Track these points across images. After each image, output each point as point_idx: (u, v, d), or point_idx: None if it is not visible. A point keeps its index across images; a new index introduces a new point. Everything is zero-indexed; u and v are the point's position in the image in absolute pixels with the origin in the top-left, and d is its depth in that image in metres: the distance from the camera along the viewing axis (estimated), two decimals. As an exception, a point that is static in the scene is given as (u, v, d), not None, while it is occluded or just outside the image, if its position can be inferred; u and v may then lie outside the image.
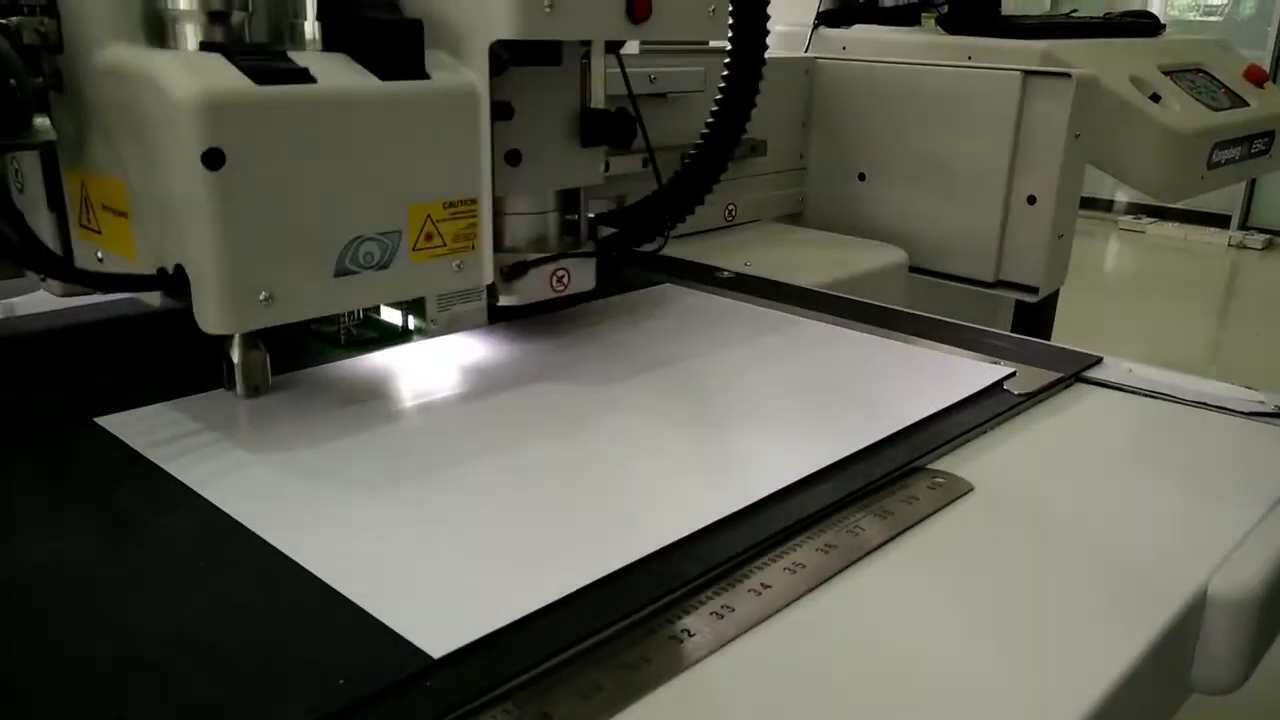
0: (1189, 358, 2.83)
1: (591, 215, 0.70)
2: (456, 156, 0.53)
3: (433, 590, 0.38)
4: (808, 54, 1.24)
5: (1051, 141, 1.00)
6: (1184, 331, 3.08)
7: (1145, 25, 1.58)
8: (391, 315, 0.62)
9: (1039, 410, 0.58)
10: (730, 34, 0.70)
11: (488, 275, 0.57)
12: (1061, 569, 0.42)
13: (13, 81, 0.46)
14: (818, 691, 0.34)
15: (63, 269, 0.44)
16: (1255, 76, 1.50)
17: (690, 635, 0.36)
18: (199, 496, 0.43)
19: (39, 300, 0.67)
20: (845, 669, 0.35)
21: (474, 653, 0.34)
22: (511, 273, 0.62)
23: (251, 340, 0.55)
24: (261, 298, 0.47)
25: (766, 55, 0.72)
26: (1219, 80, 1.42)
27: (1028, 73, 0.99)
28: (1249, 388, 0.61)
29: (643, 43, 0.90)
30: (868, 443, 0.50)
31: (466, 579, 0.39)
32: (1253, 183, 4.00)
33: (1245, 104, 1.41)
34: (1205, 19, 4.52)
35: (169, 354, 0.60)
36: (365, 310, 0.62)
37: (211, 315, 0.46)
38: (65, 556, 0.39)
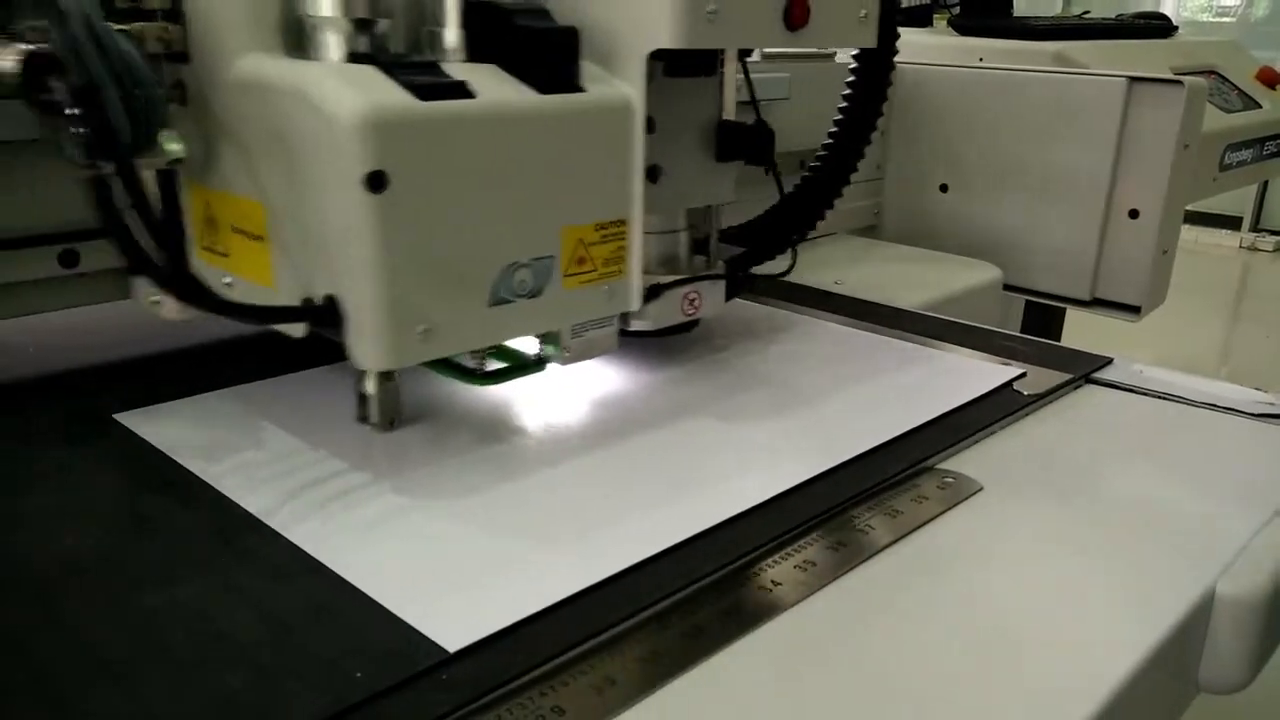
0: (1200, 359, 2.79)
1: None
2: (610, 175, 0.49)
3: (449, 585, 0.39)
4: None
5: (1158, 152, 0.95)
6: (1195, 333, 3.04)
7: (1157, 27, 1.58)
8: (524, 343, 0.58)
9: (1049, 411, 0.58)
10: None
11: (636, 301, 0.53)
12: (1069, 569, 0.43)
13: (139, 93, 0.42)
14: (826, 687, 0.35)
15: (215, 302, 0.40)
16: (1268, 78, 1.49)
17: (701, 631, 0.37)
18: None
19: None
20: (853, 666, 0.36)
21: (489, 647, 0.35)
22: (645, 296, 0.58)
23: (389, 372, 0.51)
24: (420, 331, 0.43)
25: (839, 60, 0.68)
26: (1231, 82, 1.40)
27: (1134, 79, 0.95)
28: (1259, 389, 0.61)
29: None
30: (878, 442, 0.51)
31: (484, 575, 0.39)
32: (1264, 185, 3.96)
33: (1258, 106, 1.39)
34: (1219, 19, 4.48)
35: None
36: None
37: (370, 351, 0.42)
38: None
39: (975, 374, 0.61)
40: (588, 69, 0.48)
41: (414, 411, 0.54)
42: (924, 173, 1.12)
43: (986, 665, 0.36)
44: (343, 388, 0.54)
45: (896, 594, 0.40)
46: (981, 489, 0.48)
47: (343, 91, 0.40)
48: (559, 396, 0.58)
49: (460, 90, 0.42)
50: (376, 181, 0.40)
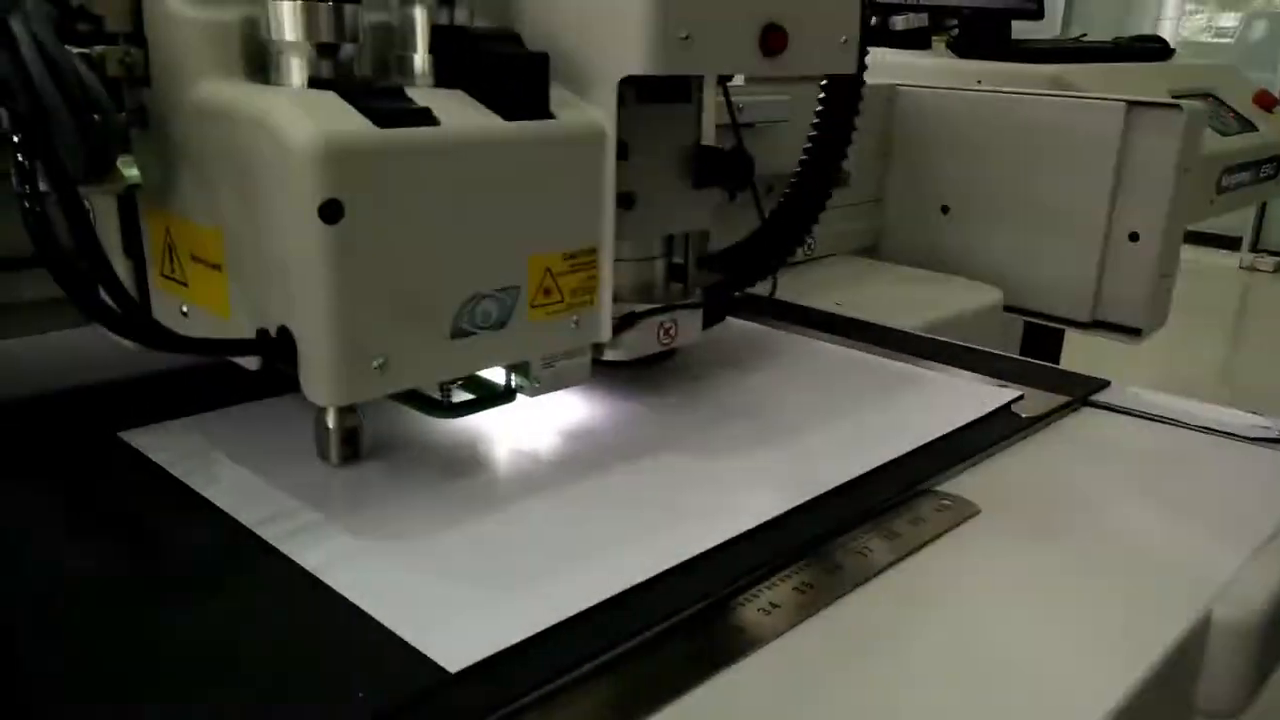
0: (1200, 380, 2.78)
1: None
2: (579, 202, 0.48)
3: (451, 605, 0.39)
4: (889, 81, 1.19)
5: (1158, 175, 0.94)
6: (1195, 354, 3.02)
7: (1154, 50, 1.59)
8: (493, 373, 0.57)
9: (1046, 433, 0.59)
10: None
11: (606, 332, 0.51)
12: (1066, 592, 0.43)
13: (97, 118, 0.41)
14: (823, 710, 0.35)
15: (163, 337, 0.39)
16: (1265, 102, 1.50)
17: (700, 654, 0.36)
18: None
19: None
20: (849, 689, 0.36)
21: (491, 667, 0.35)
22: (618, 326, 0.56)
23: (350, 405, 0.50)
24: (375, 365, 0.42)
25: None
26: (1228, 105, 1.41)
27: (1132, 103, 0.94)
28: (1255, 413, 0.61)
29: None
30: (876, 464, 0.51)
31: (485, 595, 0.40)
32: (1263, 206, 3.97)
33: (1254, 129, 1.40)
34: (1216, 41, 4.49)
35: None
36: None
37: (322, 386, 0.41)
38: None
39: (973, 396, 0.62)
40: (559, 94, 0.47)
41: (376, 443, 0.52)
42: (925, 194, 1.11)
43: (984, 690, 0.36)
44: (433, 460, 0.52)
45: (894, 616, 0.40)
46: (979, 512, 0.48)
47: (298, 118, 0.39)
48: (532, 428, 0.57)
49: (423, 117, 0.41)
50: (331, 211, 0.39)
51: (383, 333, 0.42)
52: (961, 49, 1.39)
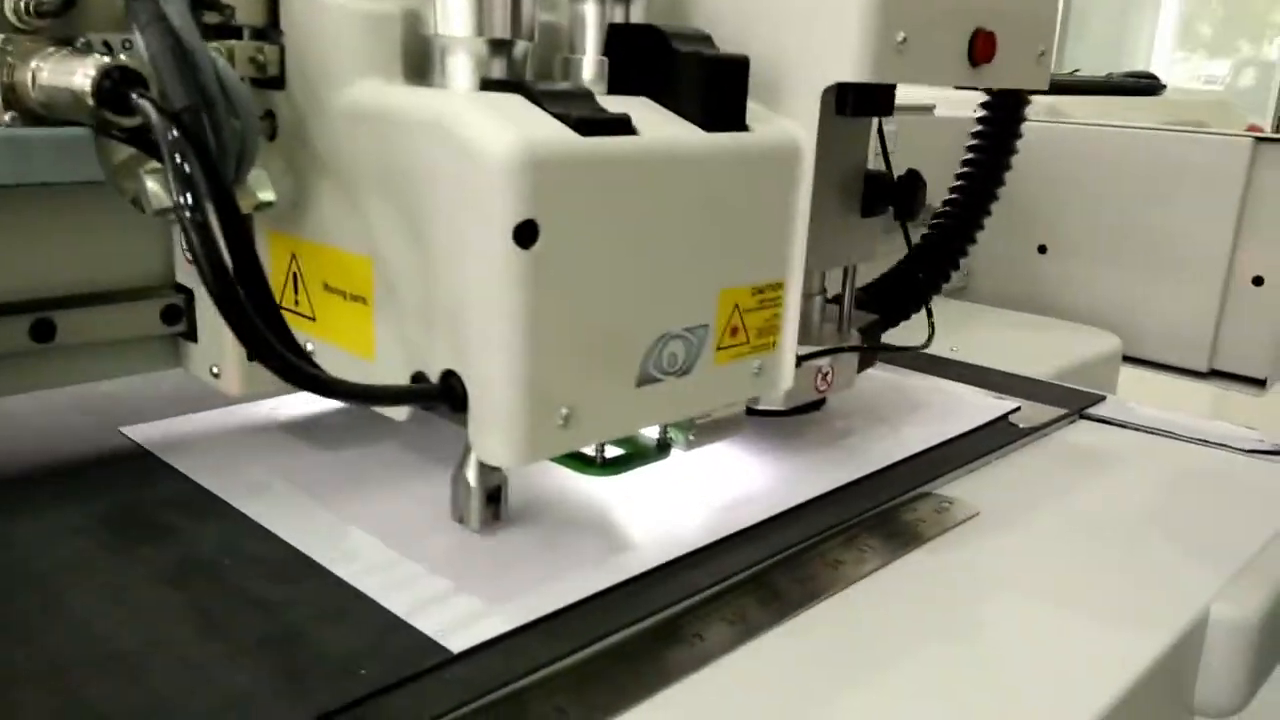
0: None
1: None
2: (771, 230, 0.42)
3: (455, 590, 0.38)
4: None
5: None
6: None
7: (1146, 85, 1.58)
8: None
9: (1044, 443, 0.60)
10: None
11: (788, 379, 0.45)
12: (1065, 590, 0.43)
13: (236, 123, 0.35)
14: (822, 694, 0.35)
15: (327, 384, 0.32)
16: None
17: (702, 639, 0.37)
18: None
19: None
20: (848, 676, 0.36)
21: (493, 648, 0.34)
22: (779, 370, 0.50)
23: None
24: (561, 416, 0.35)
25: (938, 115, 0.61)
26: None
27: (1260, 139, 0.88)
28: (1250, 428, 0.62)
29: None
30: (877, 467, 0.52)
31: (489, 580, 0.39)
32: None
33: None
34: (1206, 88, 4.48)
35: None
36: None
37: (500, 444, 0.34)
38: None
39: (972, 407, 0.63)
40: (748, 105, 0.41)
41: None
42: (1020, 233, 1.04)
43: (979, 683, 0.36)
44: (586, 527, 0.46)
45: (893, 611, 0.40)
46: (978, 513, 0.49)
47: (491, 124, 0.32)
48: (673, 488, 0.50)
49: (623, 125, 0.35)
50: (526, 234, 0.32)
51: (570, 380, 0.35)
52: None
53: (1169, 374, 0.97)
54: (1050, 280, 1.02)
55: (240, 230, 0.30)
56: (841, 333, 0.56)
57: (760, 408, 0.53)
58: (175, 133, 0.29)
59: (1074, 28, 3.88)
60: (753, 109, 0.41)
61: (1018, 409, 0.63)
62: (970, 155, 0.63)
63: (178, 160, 0.29)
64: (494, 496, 0.43)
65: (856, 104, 0.45)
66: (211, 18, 0.38)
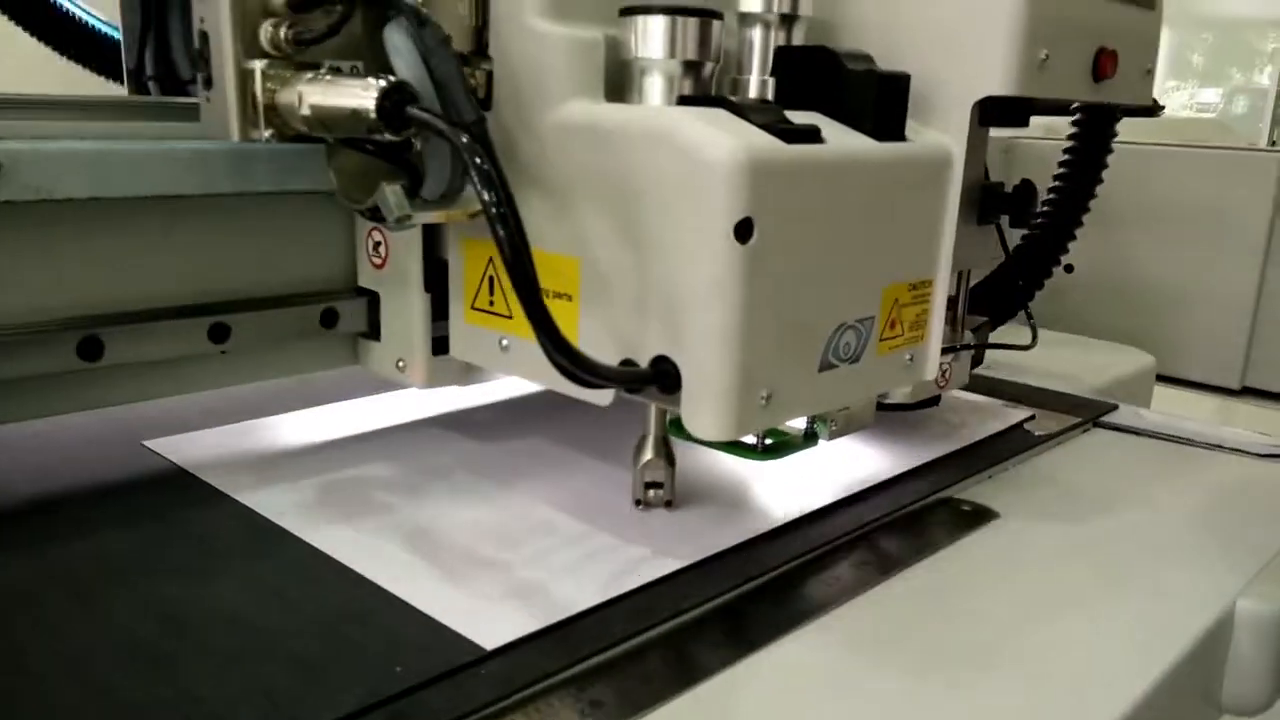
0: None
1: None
2: (925, 231, 0.46)
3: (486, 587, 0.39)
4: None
5: None
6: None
7: (1145, 106, 1.60)
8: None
9: (1060, 451, 0.61)
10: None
11: (933, 369, 0.49)
12: (1089, 588, 0.43)
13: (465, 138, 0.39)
14: (849, 692, 0.35)
15: (588, 366, 0.36)
16: None
17: (737, 635, 0.38)
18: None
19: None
20: (874, 675, 0.36)
21: (529, 644, 0.36)
22: (910, 365, 0.54)
23: (668, 447, 0.47)
24: (762, 397, 0.39)
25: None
26: None
27: None
28: (1263, 434, 0.63)
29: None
30: (898, 472, 0.53)
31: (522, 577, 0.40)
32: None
33: None
34: (1199, 116, 4.52)
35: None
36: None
37: (711, 418, 0.38)
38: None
39: (987, 414, 0.64)
40: (898, 119, 0.45)
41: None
42: None
43: (1005, 682, 0.36)
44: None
45: (918, 610, 0.41)
46: (999, 516, 0.50)
47: (711, 133, 0.36)
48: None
49: (815, 135, 0.39)
50: (745, 230, 0.36)
51: (770, 364, 0.39)
52: None
53: (1201, 392, 0.99)
54: (1077, 299, 1.04)
55: (520, 226, 0.34)
56: (957, 333, 0.60)
57: (889, 403, 0.57)
58: (468, 138, 0.33)
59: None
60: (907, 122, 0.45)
61: (1032, 417, 0.64)
62: (1064, 169, 0.67)
63: (479, 162, 0.33)
64: (669, 480, 0.47)
65: (999, 116, 0.49)
66: (429, 46, 0.43)
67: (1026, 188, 0.56)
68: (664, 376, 0.39)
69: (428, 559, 0.41)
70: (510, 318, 0.46)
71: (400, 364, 0.51)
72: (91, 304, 0.45)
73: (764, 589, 0.41)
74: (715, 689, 0.35)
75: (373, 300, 0.52)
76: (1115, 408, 0.67)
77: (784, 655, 0.37)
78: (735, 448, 0.49)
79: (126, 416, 0.53)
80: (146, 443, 0.52)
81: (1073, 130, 0.66)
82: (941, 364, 0.57)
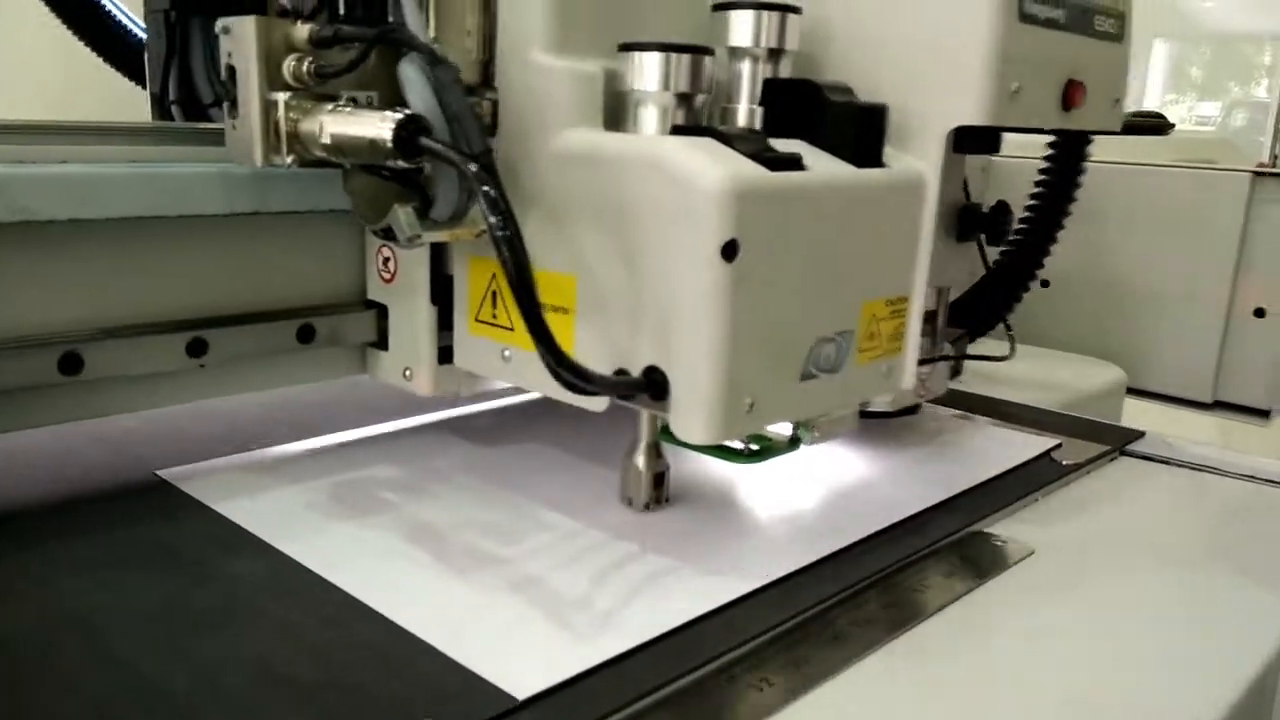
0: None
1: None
2: (901, 251, 0.49)
3: (515, 634, 0.39)
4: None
5: None
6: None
7: (1154, 125, 1.62)
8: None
9: (1089, 481, 0.60)
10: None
11: (910, 379, 0.52)
12: (1132, 632, 0.42)
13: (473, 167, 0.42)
14: None
15: (582, 375, 0.39)
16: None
17: (769, 684, 0.37)
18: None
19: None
20: (925, 709, 0.36)
21: (559, 693, 0.35)
22: (890, 376, 0.57)
23: (658, 450, 0.50)
24: (747, 404, 0.42)
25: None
26: None
27: (1258, 174, 0.94)
28: None
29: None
30: (924, 506, 0.53)
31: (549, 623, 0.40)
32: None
33: None
34: (1198, 129, 4.55)
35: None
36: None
37: (699, 424, 0.41)
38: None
39: (1014, 445, 0.64)
40: (877, 146, 0.48)
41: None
42: None
43: None
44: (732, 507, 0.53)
45: (954, 654, 0.40)
46: (1034, 552, 0.49)
47: (700, 161, 0.40)
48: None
49: (797, 162, 0.42)
50: (731, 250, 0.39)
51: (754, 374, 0.42)
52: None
53: (1174, 405, 1.01)
54: (1052, 314, 1.06)
55: (523, 248, 0.37)
56: (936, 345, 0.63)
57: (870, 410, 0.60)
58: (476, 167, 0.36)
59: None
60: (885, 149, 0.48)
61: (1059, 446, 0.63)
62: (1039, 189, 0.70)
63: (487, 190, 0.36)
64: (659, 480, 0.50)
65: (972, 144, 0.52)
66: (438, 77, 0.46)
67: (1002, 208, 0.60)
68: (654, 385, 0.42)
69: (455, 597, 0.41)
70: (512, 330, 0.49)
71: (407, 372, 0.54)
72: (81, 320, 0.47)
73: (796, 632, 0.40)
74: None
75: (380, 312, 0.55)
76: (1142, 435, 0.66)
77: (826, 699, 0.36)
78: (722, 452, 0.51)
79: (132, 441, 0.55)
80: (160, 472, 0.52)
81: (1048, 153, 0.69)
82: (920, 374, 0.60)
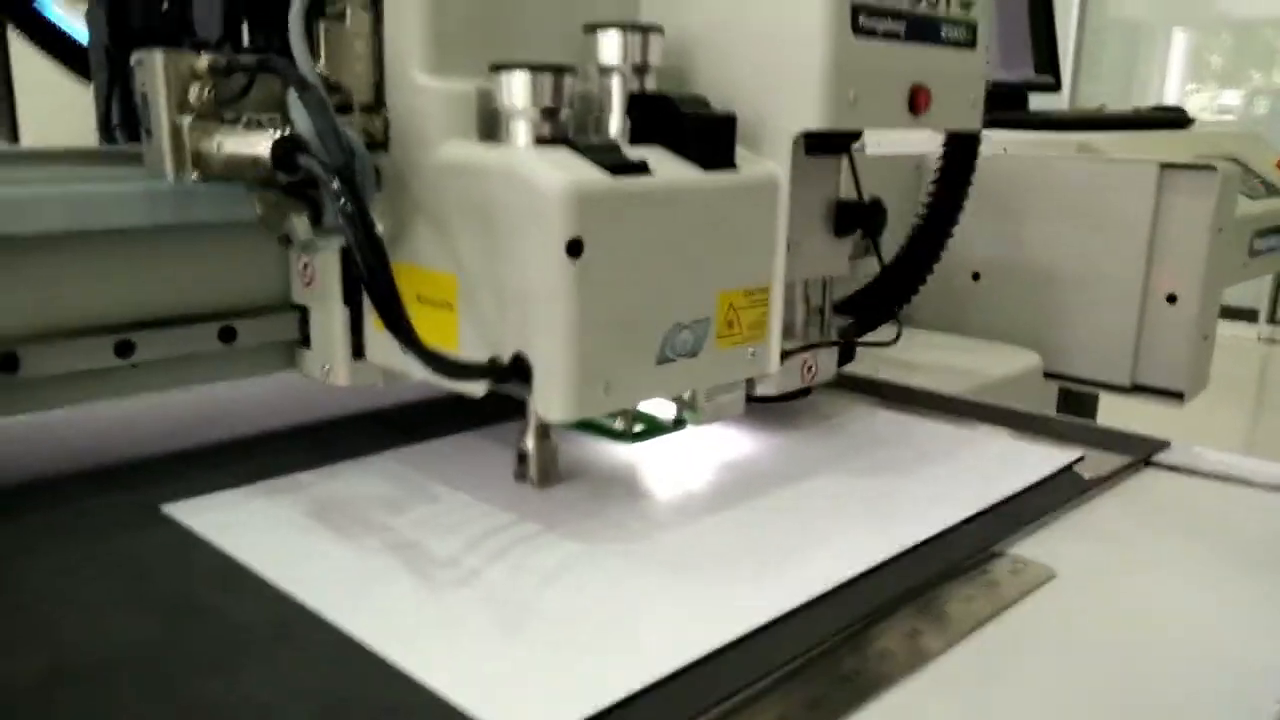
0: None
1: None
2: (757, 245, 0.54)
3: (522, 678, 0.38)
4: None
5: (1193, 236, 0.96)
6: (1217, 426, 2.99)
7: (1174, 120, 1.59)
8: (662, 409, 0.62)
9: (1113, 494, 0.57)
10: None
11: (775, 363, 0.57)
12: (1158, 659, 0.41)
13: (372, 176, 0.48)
14: None
15: (441, 362, 0.44)
16: None
17: (819, 699, 0.36)
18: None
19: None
20: None
21: None
22: (771, 360, 0.62)
23: (545, 430, 0.56)
24: (603, 385, 0.47)
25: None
26: (1254, 171, 1.42)
27: (1165, 166, 0.97)
28: None
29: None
30: (943, 527, 0.50)
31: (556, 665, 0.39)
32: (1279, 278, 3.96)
33: None
34: (1220, 118, 4.53)
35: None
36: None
37: (558, 403, 0.47)
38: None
39: (1032, 457, 0.61)
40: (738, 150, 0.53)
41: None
42: (954, 261, 1.10)
43: None
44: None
45: (981, 685, 0.38)
46: (1055, 575, 0.47)
47: (546, 169, 0.45)
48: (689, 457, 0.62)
49: (642, 168, 0.48)
50: (575, 247, 0.45)
51: (607, 357, 0.47)
52: (986, 120, 1.43)
53: (1094, 389, 1.05)
54: (982, 305, 1.10)
55: (380, 247, 0.42)
56: (823, 334, 0.68)
57: (758, 394, 0.65)
58: (338, 182, 0.42)
59: (1085, 63, 3.98)
60: (741, 153, 0.53)
61: (1081, 458, 0.61)
62: (934, 187, 0.75)
63: (342, 200, 0.41)
64: (549, 460, 0.56)
65: (821, 146, 0.57)
66: (336, 98, 0.51)
67: (875, 204, 0.65)
68: (520, 370, 0.47)
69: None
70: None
71: (325, 368, 0.59)
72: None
73: (813, 665, 0.39)
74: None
75: (303, 314, 0.61)
76: (1167, 445, 0.63)
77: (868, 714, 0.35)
78: (604, 431, 0.57)
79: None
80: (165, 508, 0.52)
81: (940, 155, 0.74)
82: (806, 360, 0.65)
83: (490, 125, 0.51)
